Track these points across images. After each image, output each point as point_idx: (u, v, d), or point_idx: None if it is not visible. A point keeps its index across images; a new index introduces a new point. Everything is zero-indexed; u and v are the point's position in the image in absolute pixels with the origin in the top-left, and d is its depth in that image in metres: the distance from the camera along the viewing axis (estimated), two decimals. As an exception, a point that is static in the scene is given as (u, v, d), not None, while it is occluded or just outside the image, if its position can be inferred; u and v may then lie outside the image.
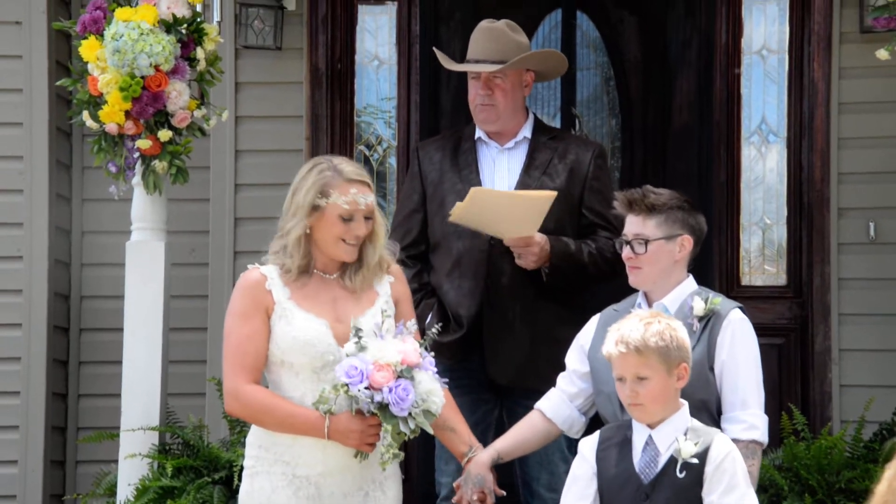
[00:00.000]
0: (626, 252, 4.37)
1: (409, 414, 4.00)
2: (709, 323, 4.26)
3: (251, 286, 4.19)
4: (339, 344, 4.14)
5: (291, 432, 4.11)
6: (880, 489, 2.30)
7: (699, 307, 4.28)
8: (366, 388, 3.98)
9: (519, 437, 4.45)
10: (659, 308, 4.31)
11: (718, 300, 4.27)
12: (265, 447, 4.17)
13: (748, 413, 4.21)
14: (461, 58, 5.33)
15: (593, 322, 4.49)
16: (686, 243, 4.37)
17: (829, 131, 6.13)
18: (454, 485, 4.38)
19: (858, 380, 6.04)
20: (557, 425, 4.45)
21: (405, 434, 4.02)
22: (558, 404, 4.45)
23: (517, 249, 5.03)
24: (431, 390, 4.05)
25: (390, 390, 3.98)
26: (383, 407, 3.99)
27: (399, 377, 4.00)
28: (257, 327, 4.15)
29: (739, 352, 4.21)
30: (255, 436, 4.21)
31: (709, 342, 4.25)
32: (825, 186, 6.11)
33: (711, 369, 4.24)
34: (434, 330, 4.20)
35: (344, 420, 4.06)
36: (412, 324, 4.16)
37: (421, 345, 4.10)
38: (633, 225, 4.38)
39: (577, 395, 4.44)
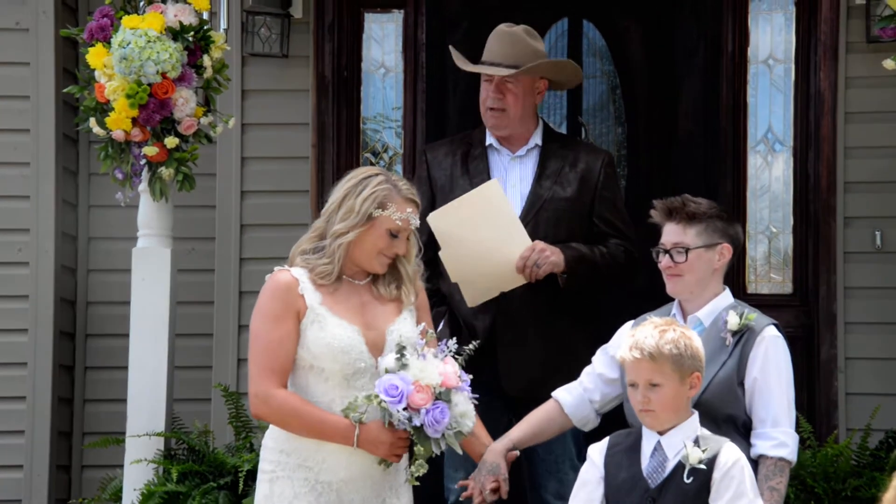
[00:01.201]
0: (665, 261, 4.35)
1: (442, 435, 4.02)
2: (742, 338, 4.25)
3: (283, 289, 4.15)
4: (370, 351, 4.14)
5: (319, 438, 4.09)
6: (887, 497, 2.30)
7: (734, 322, 4.26)
8: (404, 408, 3.99)
9: (535, 427, 4.44)
10: (693, 321, 4.31)
11: (754, 316, 4.26)
12: (287, 452, 4.14)
13: (779, 430, 4.20)
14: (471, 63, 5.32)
15: (626, 329, 4.46)
16: (726, 252, 4.36)
17: (836, 140, 6.13)
18: (462, 483, 4.37)
19: (864, 388, 6.04)
20: (573, 421, 4.46)
21: (434, 452, 4.04)
22: (579, 403, 4.44)
23: (531, 262, 4.98)
24: (465, 412, 4.07)
25: (427, 412, 4.00)
26: (418, 428, 4.01)
27: (437, 399, 4.02)
28: (288, 331, 4.12)
29: (772, 369, 4.20)
30: (275, 440, 4.17)
31: (741, 357, 4.23)
32: (831, 195, 6.11)
33: (741, 384, 4.23)
34: (471, 347, 4.16)
35: (374, 430, 4.05)
36: (453, 343, 4.13)
37: (459, 364, 4.10)
38: (673, 234, 4.36)
39: (597, 399, 4.45)
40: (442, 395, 4.03)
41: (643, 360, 3.94)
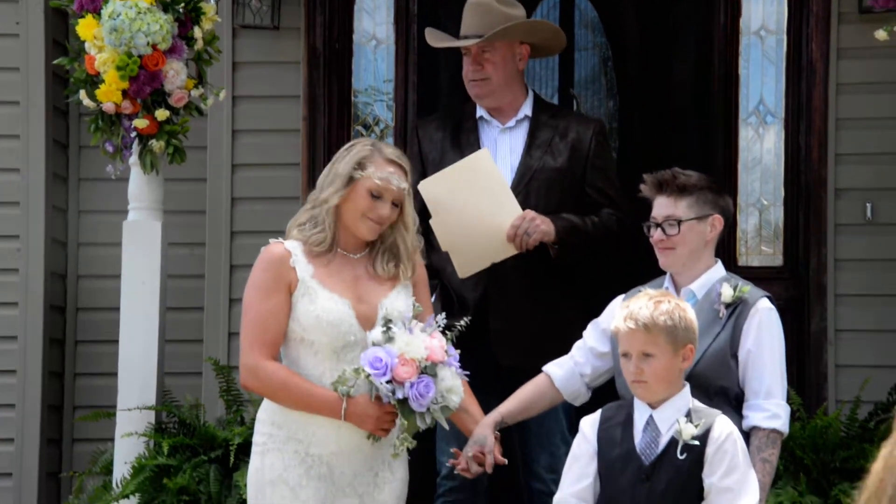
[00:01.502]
0: (657, 234, 4.33)
1: (427, 409, 4.01)
2: (736, 310, 4.24)
3: (275, 261, 4.15)
4: (360, 324, 4.13)
5: (308, 411, 4.10)
6: (876, 467, 2.30)
7: (727, 294, 4.26)
8: (388, 381, 3.98)
9: (525, 400, 4.44)
10: (686, 294, 4.30)
11: (748, 288, 4.25)
12: (278, 424, 4.14)
13: (771, 402, 4.21)
14: (457, 37, 5.30)
15: (616, 303, 4.46)
16: (717, 223, 4.35)
17: (827, 112, 6.12)
18: (453, 450, 4.38)
19: (854, 360, 6.04)
20: (564, 395, 4.46)
21: (419, 426, 4.03)
22: (569, 377, 4.44)
23: (522, 230, 4.97)
24: (452, 387, 4.06)
25: (412, 386, 3.99)
26: (402, 401, 4.00)
27: (422, 373, 4.01)
28: (279, 303, 4.12)
29: (766, 341, 4.20)
30: (267, 413, 4.18)
31: (734, 329, 4.23)
32: (822, 167, 6.11)
33: (734, 356, 4.23)
34: (462, 324, 4.16)
35: (362, 404, 4.05)
36: (442, 318, 4.12)
37: (447, 339, 4.10)
38: (664, 207, 4.34)
39: (588, 373, 4.45)
40: (427, 370, 4.02)
41: (637, 330, 3.94)
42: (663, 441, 3.96)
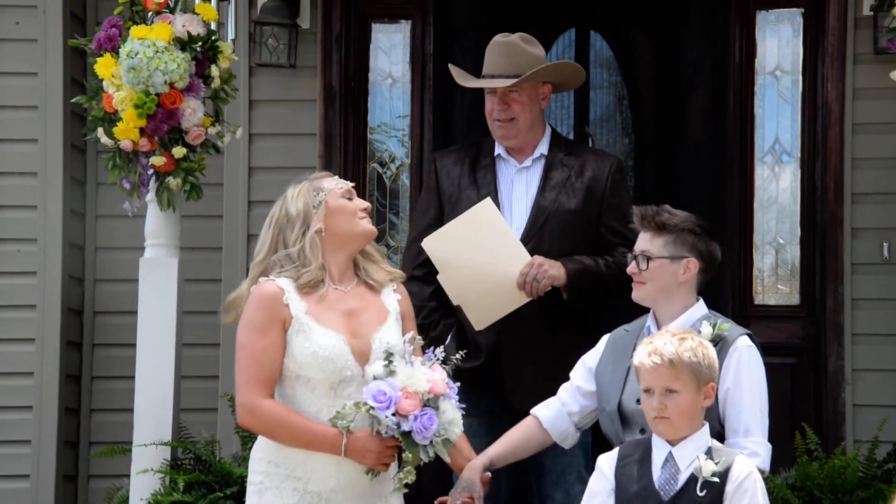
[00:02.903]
0: (631, 266, 4.42)
1: (430, 442, 4.02)
2: (716, 348, 4.26)
3: (268, 298, 4.17)
4: (356, 359, 4.14)
5: (307, 448, 4.10)
6: (894, 507, 2.30)
7: (707, 332, 4.28)
8: (392, 414, 3.99)
9: (513, 443, 4.46)
10: None
11: (727, 326, 4.27)
12: (275, 462, 4.14)
13: (750, 440, 4.21)
14: (476, 75, 5.32)
15: (602, 342, 4.52)
16: (692, 266, 4.38)
17: (843, 151, 6.13)
18: (438, 501, 4.36)
19: (872, 399, 6.03)
20: (553, 437, 4.48)
21: (422, 460, 4.03)
22: (557, 417, 4.47)
23: (531, 277, 4.98)
24: (453, 420, 4.08)
25: (415, 419, 4.01)
26: (406, 434, 4.01)
27: (425, 405, 4.02)
28: (274, 340, 4.14)
29: (745, 379, 4.21)
30: (263, 451, 4.18)
31: None
32: (838, 206, 6.11)
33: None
34: (458, 357, 4.18)
35: (363, 439, 4.06)
36: (440, 351, 4.14)
37: (447, 374, 4.11)
38: (642, 241, 4.43)
39: (576, 412, 4.48)
40: (430, 402, 4.04)
41: (662, 366, 3.95)
42: (682, 477, 3.96)
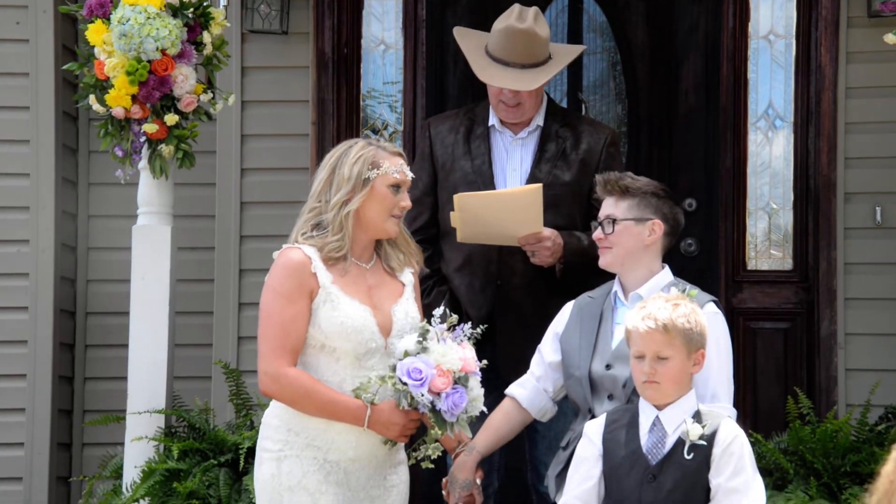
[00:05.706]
0: (597, 232, 4.44)
1: (457, 419, 4.06)
2: None
3: (297, 267, 4.12)
4: (380, 332, 4.14)
5: (330, 418, 4.09)
6: (886, 470, 2.30)
7: None
8: (426, 391, 4.01)
9: (497, 430, 4.48)
10: (633, 298, 4.35)
11: (695, 293, 4.27)
12: (295, 431, 4.12)
13: (717, 406, 4.21)
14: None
15: (567, 308, 4.54)
16: (657, 228, 4.39)
17: (836, 116, 6.12)
18: (443, 481, 4.38)
19: (864, 364, 6.04)
20: (532, 414, 4.51)
21: (450, 435, 4.08)
22: (534, 395, 4.50)
23: (529, 247, 5.00)
24: (478, 396, 4.11)
25: (447, 396, 4.03)
26: (436, 411, 4.03)
27: (456, 383, 4.05)
28: (301, 309, 4.10)
29: (711, 345, 4.20)
30: (281, 419, 4.15)
31: None
32: (832, 171, 6.11)
33: None
34: (479, 331, 4.17)
35: (387, 412, 4.07)
36: (468, 327, 4.15)
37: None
38: (606, 206, 4.45)
39: (550, 387, 4.50)
40: (461, 380, 4.06)
41: (656, 331, 3.95)
42: (670, 441, 3.97)
